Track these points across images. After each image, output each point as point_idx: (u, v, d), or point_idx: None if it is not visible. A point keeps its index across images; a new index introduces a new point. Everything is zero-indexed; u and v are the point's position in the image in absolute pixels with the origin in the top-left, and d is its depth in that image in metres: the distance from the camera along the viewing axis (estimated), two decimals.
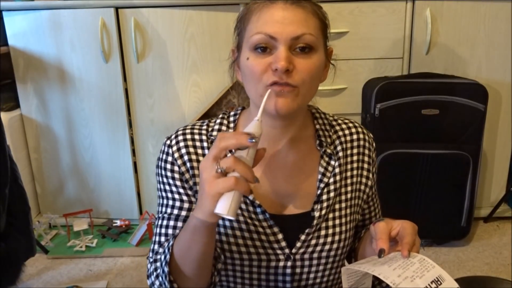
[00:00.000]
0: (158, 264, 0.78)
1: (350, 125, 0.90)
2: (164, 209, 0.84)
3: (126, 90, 2.12)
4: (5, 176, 1.37)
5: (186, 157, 0.82)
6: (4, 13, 2.03)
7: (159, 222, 0.84)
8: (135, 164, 2.23)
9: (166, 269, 0.73)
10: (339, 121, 0.91)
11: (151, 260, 0.82)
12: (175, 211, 0.83)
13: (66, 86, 2.11)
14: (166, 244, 0.78)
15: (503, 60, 2.05)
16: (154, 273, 0.79)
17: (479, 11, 1.98)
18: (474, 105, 1.92)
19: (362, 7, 2.00)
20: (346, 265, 0.77)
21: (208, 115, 2.09)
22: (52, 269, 1.98)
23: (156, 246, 0.83)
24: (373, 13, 2.01)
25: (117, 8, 1.99)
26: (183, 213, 0.82)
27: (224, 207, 0.62)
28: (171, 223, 0.82)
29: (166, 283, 0.74)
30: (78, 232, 2.15)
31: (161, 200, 0.85)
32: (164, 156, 0.84)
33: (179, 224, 0.82)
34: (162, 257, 0.76)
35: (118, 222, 2.19)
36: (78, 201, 2.29)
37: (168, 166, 0.83)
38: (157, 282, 0.78)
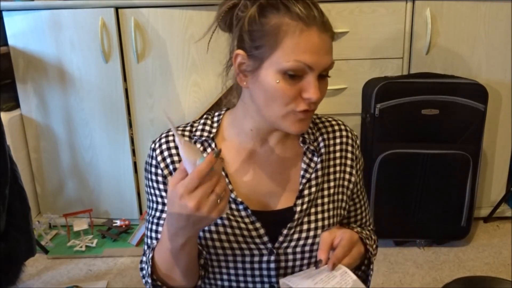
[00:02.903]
0: (144, 272, 0.81)
1: (334, 123, 0.92)
2: (150, 212, 0.87)
3: (126, 90, 2.12)
4: (5, 176, 1.37)
5: (168, 160, 0.84)
6: (4, 13, 2.03)
7: (147, 225, 0.88)
8: (135, 164, 2.23)
9: (149, 281, 0.78)
10: (323, 119, 0.93)
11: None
12: (157, 214, 0.85)
13: (66, 86, 2.11)
14: (148, 252, 0.82)
15: (503, 60, 2.05)
16: (143, 280, 0.83)
17: (479, 11, 1.98)
18: (474, 105, 1.92)
19: (362, 7, 2.00)
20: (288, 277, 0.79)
21: None
22: (52, 269, 1.98)
23: (145, 247, 0.87)
24: (373, 13, 2.01)
25: (117, 8, 1.99)
26: (164, 215, 0.84)
27: None
28: (154, 227, 0.86)
29: None
30: (78, 232, 2.15)
31: (148, 202, 0.88)
32: (149, 159, 0.86)
33: (160, 228, 0.85)
34: (145, 268, 0.80)
35: (118, 222, 2.19)
36: (78, 201, 2.29)
37: (152, 169, 0.85)
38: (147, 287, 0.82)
